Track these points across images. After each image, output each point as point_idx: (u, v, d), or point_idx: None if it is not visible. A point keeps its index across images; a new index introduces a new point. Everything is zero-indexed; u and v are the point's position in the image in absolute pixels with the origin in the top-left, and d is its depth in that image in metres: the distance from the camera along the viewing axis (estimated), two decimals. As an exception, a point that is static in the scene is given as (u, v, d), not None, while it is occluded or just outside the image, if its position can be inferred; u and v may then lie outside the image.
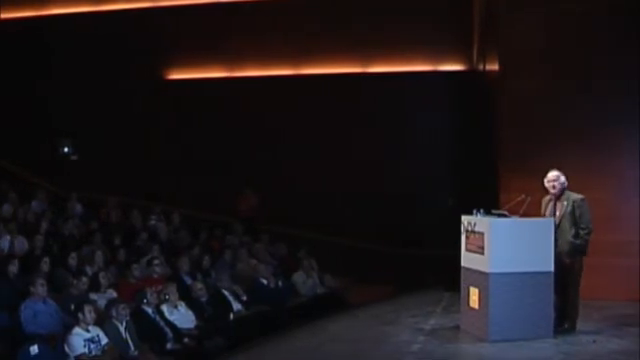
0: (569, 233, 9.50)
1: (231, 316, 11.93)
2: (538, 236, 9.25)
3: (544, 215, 9.71)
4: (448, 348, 9.23)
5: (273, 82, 18.93)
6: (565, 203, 9.60)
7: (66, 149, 20.12)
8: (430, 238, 16.54)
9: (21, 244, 13.35)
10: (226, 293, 12.40)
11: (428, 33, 17.74)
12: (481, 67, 16.76)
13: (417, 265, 16.56)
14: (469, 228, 9.63)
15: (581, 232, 9.51)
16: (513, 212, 9.52)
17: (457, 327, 10.05)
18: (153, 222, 16.47)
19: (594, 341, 9.23)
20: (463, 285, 9.82)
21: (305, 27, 18.54)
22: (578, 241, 9.49)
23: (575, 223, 9.51)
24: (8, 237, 13.46)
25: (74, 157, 20.19)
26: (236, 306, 12.25)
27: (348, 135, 18.30)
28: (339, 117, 18.32)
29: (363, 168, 18.07)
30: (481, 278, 9.32)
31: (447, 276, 12.12)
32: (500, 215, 9.48)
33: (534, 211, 9.72)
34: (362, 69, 18.65)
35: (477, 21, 17.12)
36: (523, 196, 9.56)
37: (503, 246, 9.19)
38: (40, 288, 10.10)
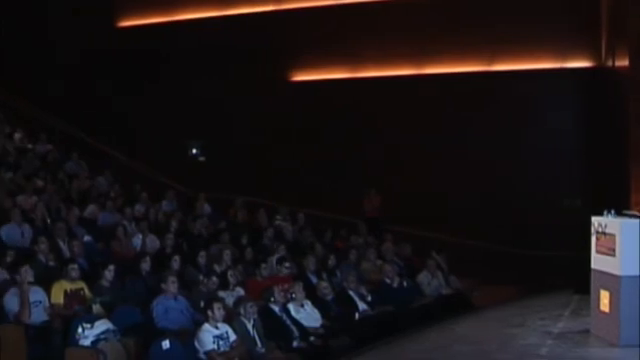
0: None
1: (357, 316, 11.99)
2: (672, 238, 8.96)
3: None
4: (577, 352, 9.06)
5: (395, 82, 18.88)
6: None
7: (194, 151, 20.59)
8: (557, 239, 16.20)
9: (153, 242, 13.80)
10: (352, 293, 12.47)
11: (554, 29, 17.32)
12: (610, 63, 16.30)
13: (543, 266, 16.26)
14: (599, 229, 9.42)
15: None
16: (646, 213, 9.26)
17: (587, 331, 9.85)
18: (278, 222, 16.70)
19: None
20: (593, 288, 9.61)
21: (427, 26, 18.38)
22: None
23: None
24: (140, 236, 13.93)
25: (202, 158, 20.64)
26: (361, 306, 12.30)
27: (471, 134, 18.09)
28: (462, 116, 18.12)
29: (486, 168, 17.83)
30: (612, 281, 9.10)
31: (575, 278, 11.88)
32: (632, 216, 9.22)
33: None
34: (485, 68, 18.39)
35: (605, 15, 16.65)
36: (657, 197, 9.28)
37: (635, 248, 8.93)
38: (171, 285, 10.38)
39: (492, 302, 13.90)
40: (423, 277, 14.42)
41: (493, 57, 18.22)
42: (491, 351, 9.33)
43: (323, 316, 11.39)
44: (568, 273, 13.63)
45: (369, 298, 12.72)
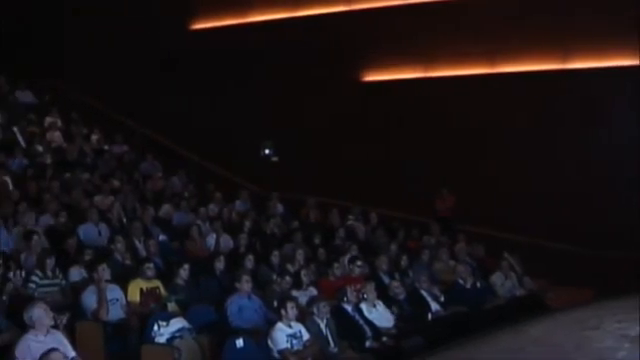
0: None
1: (429, 316, 11.94)
2: None
3: None
4: (656, 356, 8.88)
5: (468, 81, 18.72)
6: None
7: (268, 151, 20.70)
8: (634, 240, 15.88)
9: (226, 242, 13.95)
10: (424, 293, 12.43)
11: (628, 25, 16.94)
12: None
13: (619, 268, 15.94)
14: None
15: None
16: None
17: (666, 334, 9.65)
18: (351, 222, 16.71)
19: None
20: (673, 290, 9.41)
21: (499, 24, 18.14)
22: None
23: None
24: (214, 235, 14.08)
25: (275, 158, 20.74)
26: (434, 306, 12.25)
27: (544, 134, 17.82)
28: (535, 115, 17.88)
29: (559, 167, 17.55)
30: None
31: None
32: None
33: None
34: (559, 65, 18.10)
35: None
36: None
37: None
38: (245, 284, 10.49)
39: (567, 304, 13.68)
40: (496, 278, 14.26)
41: (567, 55, 17.93)
42: (567, 354, 9.21)
43: (395, 316, 11.38)
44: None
45: (442, 298, 12.66)
